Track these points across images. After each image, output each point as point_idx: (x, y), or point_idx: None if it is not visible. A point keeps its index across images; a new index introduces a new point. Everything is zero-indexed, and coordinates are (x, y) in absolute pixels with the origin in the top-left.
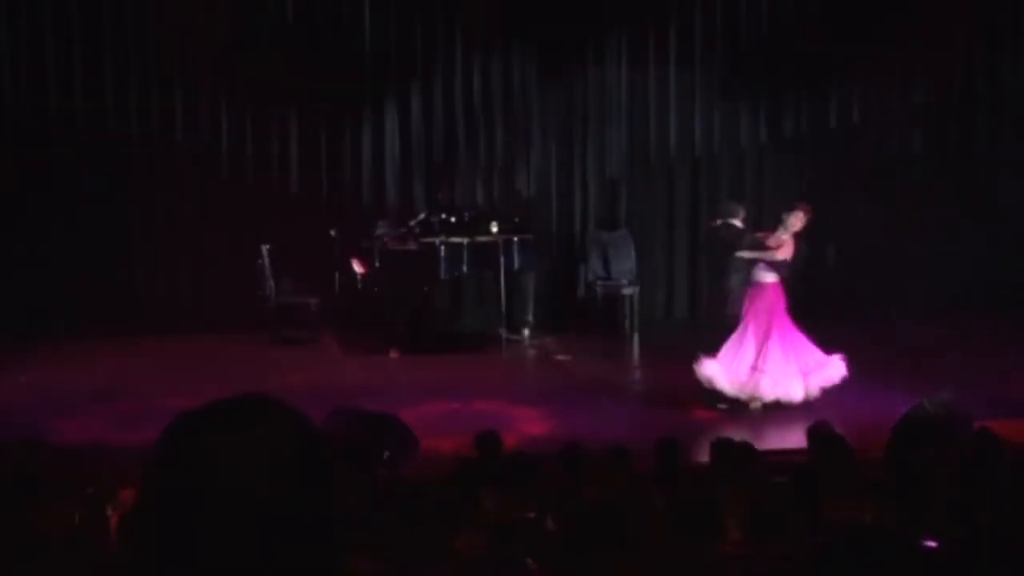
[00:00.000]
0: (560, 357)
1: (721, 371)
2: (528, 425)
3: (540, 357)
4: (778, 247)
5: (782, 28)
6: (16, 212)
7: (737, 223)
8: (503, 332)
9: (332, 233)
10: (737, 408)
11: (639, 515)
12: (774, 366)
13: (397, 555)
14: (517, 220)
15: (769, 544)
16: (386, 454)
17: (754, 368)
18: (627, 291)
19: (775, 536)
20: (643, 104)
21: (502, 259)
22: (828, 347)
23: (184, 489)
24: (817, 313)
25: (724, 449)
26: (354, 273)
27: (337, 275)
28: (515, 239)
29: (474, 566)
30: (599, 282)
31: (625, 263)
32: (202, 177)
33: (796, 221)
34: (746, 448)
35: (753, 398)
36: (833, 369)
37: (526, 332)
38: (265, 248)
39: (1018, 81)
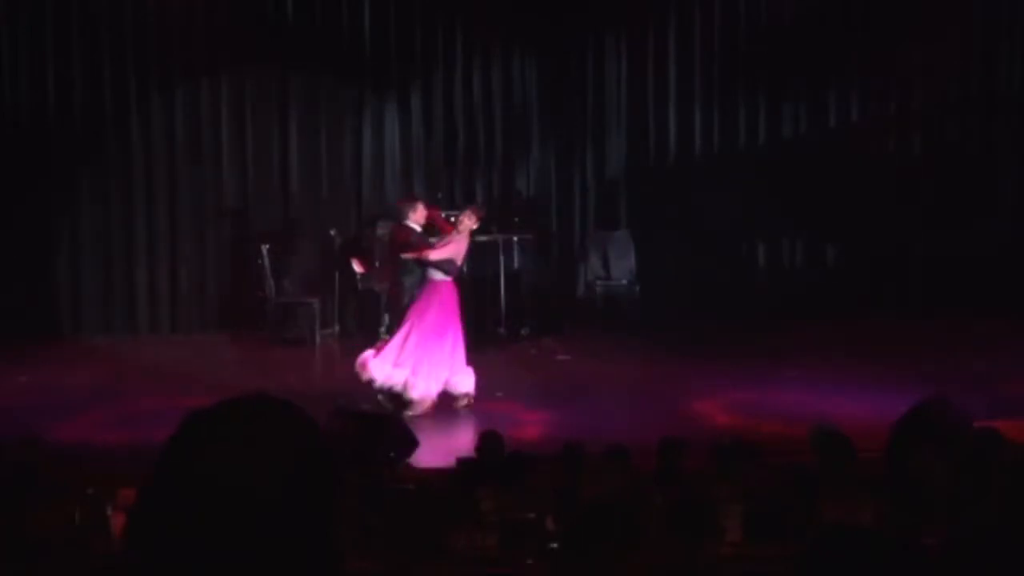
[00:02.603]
0: (560, 357)
1: (380, 367)
2: (528, 425)
3: (540, 357)
4: (434, 247)
5: (782, 28)
6: (15, 212)
7: (412, 224)
8: (503, 332)
9: (332, 233)
10: (397, 406)
11: (639, 515)
12: (432, 366)
13: (396, 555)
14: (517, 220)
15: (769, 544)
16: (386, 454)
17: (413, 369)
18: (627, 291)
19: (775, 536)
20: (643, 104)
21: (502, 259)
22: (828, 346)
23: (189, 488)
24: (817, 313)
25: (724, 449)
26: (354, 273)
27: (337, 275)
28: (515, 239)
29: (473, 566)
30: (599, 282)
31: (625, 263)
32: (202, 177)
33: (467, 222)
34: (746, 448)
35: (405, 397)
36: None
37: (525, 332)
38: (265, 248)
39: (1016, 82)
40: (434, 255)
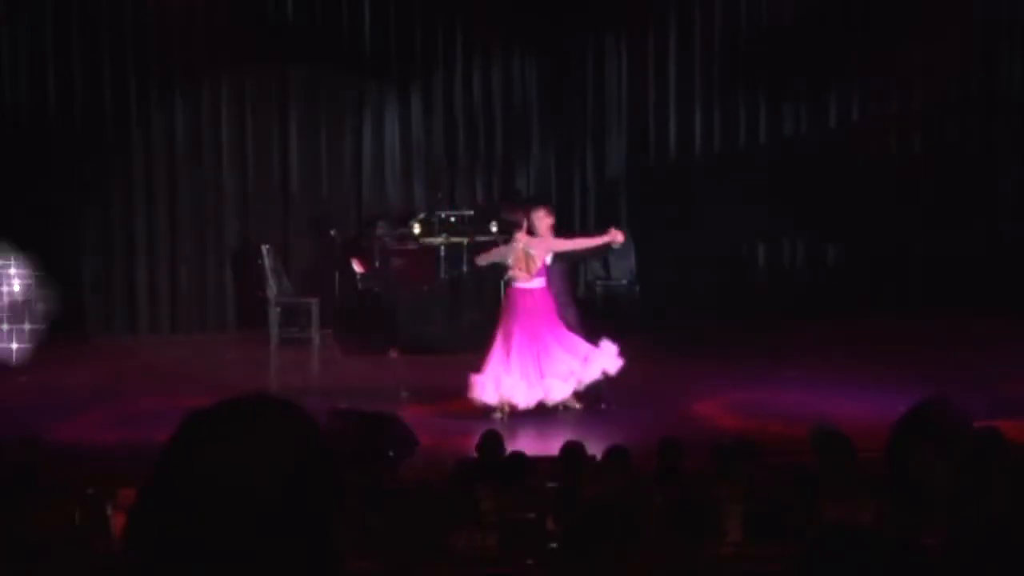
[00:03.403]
0: None
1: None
2: (528, 425)
3: None
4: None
5: (782, 28)
6: (16, 212)
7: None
8: None
9: (332, 233)
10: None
11: (639, 515)
12: (522, 372)
13: (396, 555)
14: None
15: (769, 544)
16: (386, 454)
17: (500, 375)
18: (627, 291)
19: (775, 536)
20: (643, 104)
21: None
22: (828, 346)
23: (189, 488)
24: (817, 313)
25: (724, 449)
26: (354, 273)
27: (337, 275)
28: None
29: (473, 566)
30: (599, 282)
31: (625, 263)
32: (202, 177)
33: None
34: (746, 448)
35: (503, 405)
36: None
37: None
38: (265, 248)
39: (1016, 82)
40: (478, 260)
